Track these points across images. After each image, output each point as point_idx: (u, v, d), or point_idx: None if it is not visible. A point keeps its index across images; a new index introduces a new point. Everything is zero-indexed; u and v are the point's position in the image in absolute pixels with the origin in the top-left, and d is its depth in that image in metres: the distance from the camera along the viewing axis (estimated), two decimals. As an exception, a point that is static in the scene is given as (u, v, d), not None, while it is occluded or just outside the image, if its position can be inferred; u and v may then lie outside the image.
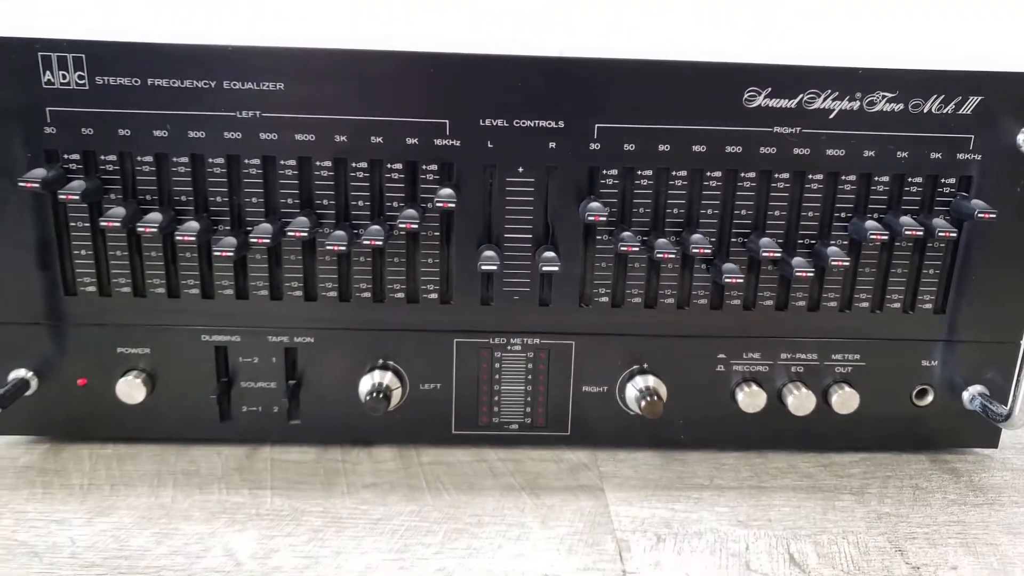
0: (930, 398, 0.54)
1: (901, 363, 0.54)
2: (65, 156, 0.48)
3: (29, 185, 0.46)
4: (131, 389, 0.51)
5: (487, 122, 0.48)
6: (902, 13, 0.83)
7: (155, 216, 0.47)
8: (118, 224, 0.47)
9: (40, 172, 0.46)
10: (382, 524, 0.46)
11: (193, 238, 0.47)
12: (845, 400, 0.53)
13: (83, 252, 0.50)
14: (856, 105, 0.48)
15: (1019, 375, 0.50)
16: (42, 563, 0.42)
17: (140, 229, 0.47)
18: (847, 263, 0.49)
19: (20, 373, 0.51)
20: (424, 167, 0.49)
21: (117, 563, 0.42)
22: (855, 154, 0.49)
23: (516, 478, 0.51)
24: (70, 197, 0.46)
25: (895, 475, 0.53)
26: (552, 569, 0.42)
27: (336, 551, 0.43)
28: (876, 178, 0.50)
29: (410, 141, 0.48)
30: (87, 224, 0.49)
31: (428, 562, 0.43)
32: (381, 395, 0.51)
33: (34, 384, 0.51)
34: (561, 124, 0.48)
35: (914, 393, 0.54)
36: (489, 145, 0.48)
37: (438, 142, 0.48)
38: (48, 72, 0.46)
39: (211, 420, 0.53)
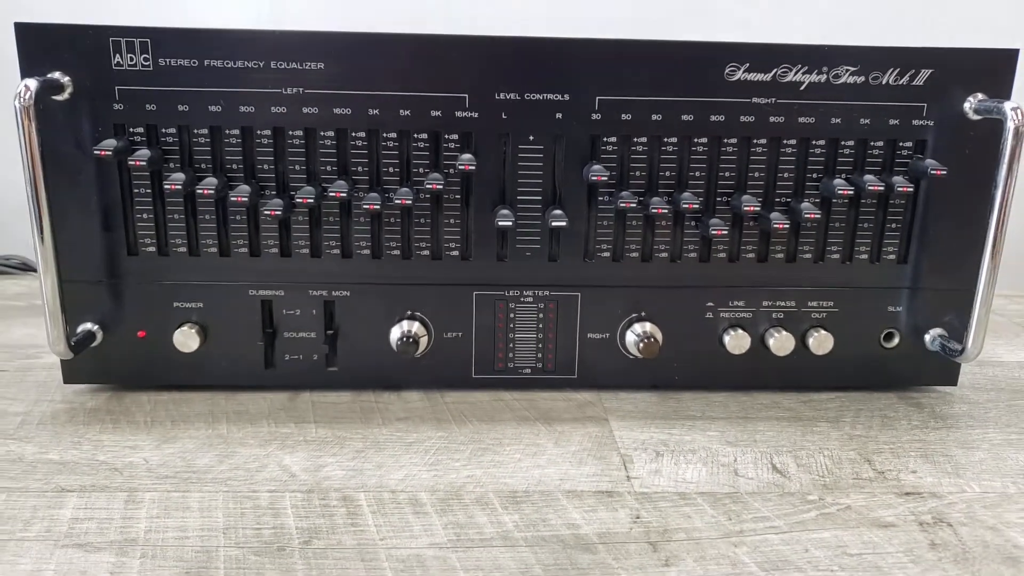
0: (896, 340, 0.61)
1: (870, 309, 0.60)
2: (131, 129, 0.54)
3: (103, 153, 0.52)
4: (186, 339, 0.57)
5: (501, 96, 0.55)
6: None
7: (211, 181, 0.54)
8: (179, 187, 0.53)
9: (112, 142, 0.53)
10: (415, 445, 0.52)
11: (245, 200, 0.54)
12: (821, 342, 0.60)
13: (144, 216, 0.56)
14: (823, 78, 0.55)
15: (973, 313, 0.56)
16: (123, 476, 0.48)
17: (199, 191, 0.53)
18: (818, 215, 0.56)
19: (87, 326, 0.57)
20: (446, 136, 0.56)
21: (188, 475, 0.48)
22: (823, 122, 0.56)
23: (531, 412, 0.58)
24: (138, 163, 0.53)
25: (866, 408, 0.60)
26: (567, 475, 0.49)
27: (377, 465, 0.50)
28: (842, 142, 0.57)
29: (434, 113, 0.55)
30: (148, 190, 0.56)
31: (458, 472, 0.49)
32: (411, 340, 0.57)
33: (99, 336, 0.58)
34: (566, 97, 0.55)
35: (882, 336, 0.61)
36: (503, 116, 0.55)
37: (458, 114, 0.55)
38: (118, 55, 0.53)
39: (257, 368, 0.59)
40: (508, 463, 0.50)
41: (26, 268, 0.98)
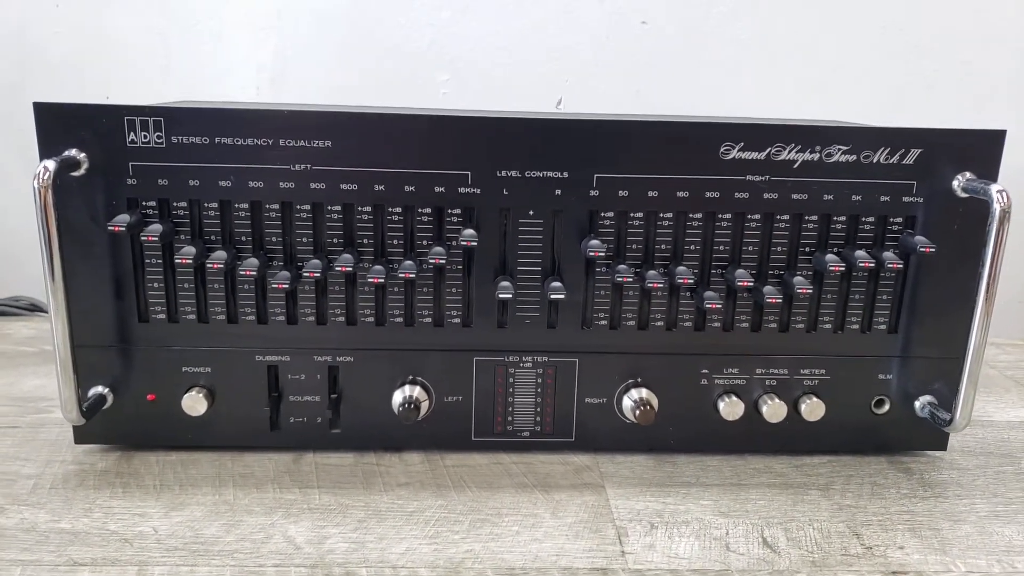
0: (887, 407, 0.63)
1: (861, 377, 0.62)
2: (143, 203, 0.56)
3: (117, 229, 0.54)
4: (194, 403, 0.59)
5: (503, 173, 0.57)
6: (856, 81, 0.93)
7: (221, 254, 0.56)
8: (190, 261, 0.55)
9: (125, 218, 0.55)
10: (416, 515, 0.54)
11: (253, 273, 0.55)
12: (813, 409, 0.61)
13: (155, 285, 0.58)
14: (816, 156, 0.57)
15: (961, 386, 0.58)
16: (133, 548, 0.49)
17: (208, 265, 0.55)
18: (811, 290, 0.57)
19: (99, 389, 0.59)
20: (449, 211, 0.57)
21: (196, 547, 0.50)
22: (816, 198, 0.58)
23: (529, 478, 0.59)
24: (151, 238, 0.55)
25: (856, 474, 0.61)
26: (563, 551, 0.50)
27: (379, 537, 0.51)
28: (834, 218, 0.58)
29: (438, 189, 0.57)
30: (159, 261, 0.57)
31: (457, 545, 0.50)
32: (412, 405, 0.59)
33: (110, 399, 0.59)
34: (565, 174, 0.57)
35: (873, 403, 0.63)
36: (505, 192, 0.57)
37: (461, 190, 0.57)
38: (132, 133, 0.55)
39: (262, 430, 0.61)
40: (506, 536, 0.52)
41: (35, 309, 1.00)
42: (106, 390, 0.59)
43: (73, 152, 0.54)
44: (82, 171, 0.55)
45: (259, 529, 0.52)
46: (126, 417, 0.60)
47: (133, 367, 0.59)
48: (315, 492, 0.56)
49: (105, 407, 0.59)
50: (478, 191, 0.57)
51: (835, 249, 0.59)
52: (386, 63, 0.92)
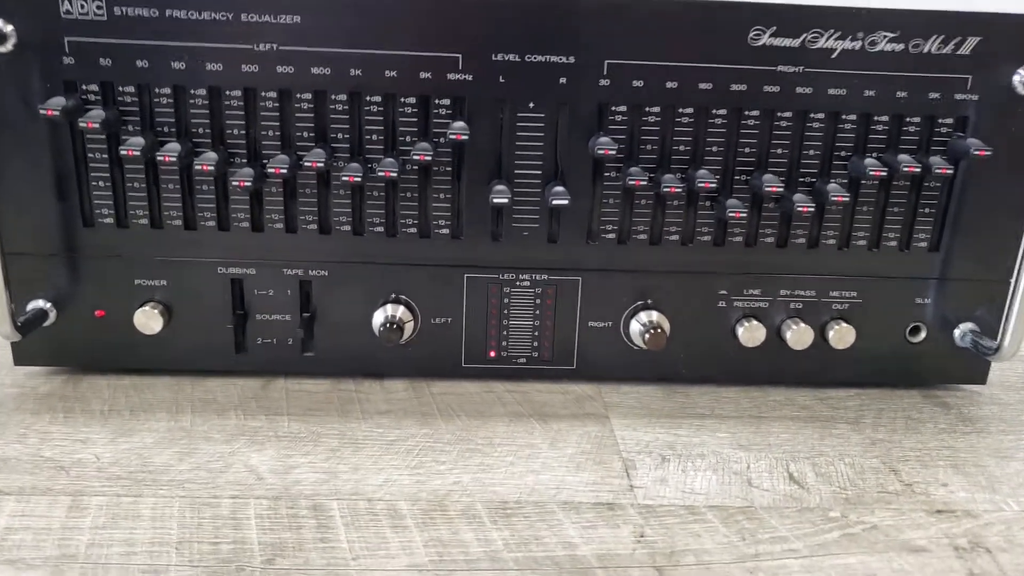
0: (923, 335, 0.56)
1: (896, 300, 0.55)
2: (83, 87, 0.49)
3: (50, 112, 0.46)
4: (148, 320, 0.52)
5: (499, 57, 0.49)
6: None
7: (173, 146, 0.48)
8: (137, 153, 0.48)
9: (60, 100, 0.47)
10: (397, 444, 0.48)
11: (211, 168, 0.48)
12: (842, 336, 0.55)
13: (101, 183, 0.51)
14: (858, 45, 0.50)
15: (1008, 310, 0.52)
16: (68, 476, 0.43)
17: (159, 158, 0.48)
18: (847, 198, 0.51)
19: (39, 304, 0.52)
20: (437, 101, 0.50)
21: (142, 476, 0.43)
22: (856, 94, 0.51)
23: (524, 407, 0.53)
24: (90, 124, 0.47)
25: (888, 407, 0.55)
26: (563, 483, 0.44)
27: (354, 467, 0.45)
28: (875, 117, 0.51)
29: (423, 75, 0.49)
30: (105, 155, 0.50)
31: (444, 477, 0.44)
32: (395, 326, 0.52)
33: (52, 315, 0.52)
34: (572, 60, 0.49)
35: (908, 330, 0.56)
36: (501, 80, 0.49)
37: (451, 76, 0.49)
38: (67, 2, 0.47)
39: (226, 352, 0.54)
40: (499, 467, 0.46)
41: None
42: (47, 304, 0.52)
43: (-2, 23, 0.46)
44: (9, 46, 0.47)
45: (217, 458, 0.45)
46: (72, 336, 0.53)
47: (78, 279, 0.52)
48: (284, 419, 0.50)
49: (47, 324, 0.52)
50: (470, 78, 0.49)
51: (875, 153, 0.52)
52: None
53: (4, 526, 0.39)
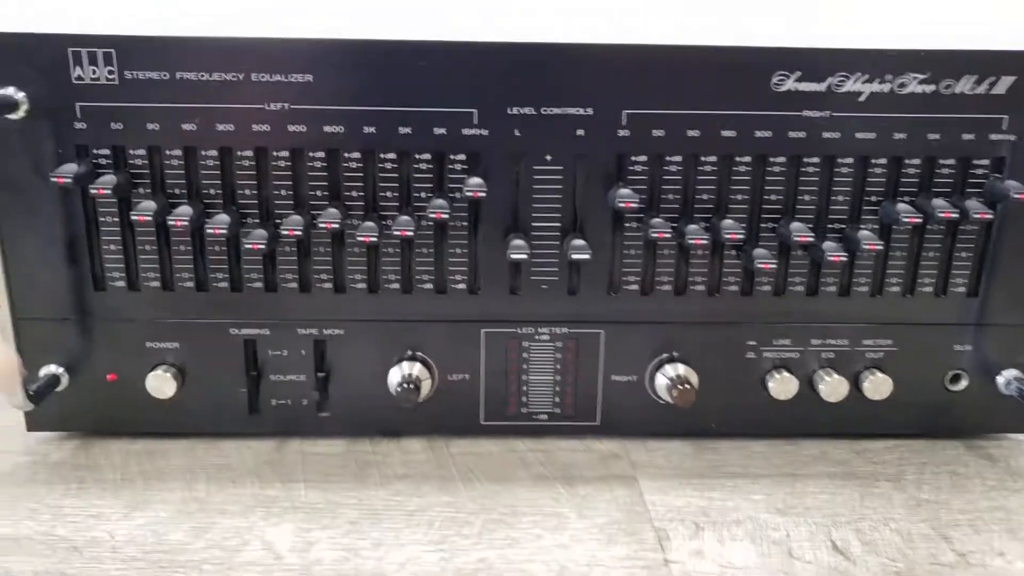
0: (964, 383, 0.54)
1: (934, 348, 0.53)
2: (95, 151, 0.48)
3: (61, 180, 0.46)
4: (161, 383, 0.51)
5: (514, 110, 0.48)
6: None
7: (185, 210, 0.47)
8: (149, 218, 0.47)
9: (72, 167, 0.46)
10: (418, 515, 0.46)
11: (224, 231, 0.47)
12: (877, 386, 0.53)
13: (112, 247, 0.50)
14: (887, 88, 0.48)
15: (1055, 358, 0.49)
16: (83, 558, 0.42)
17: (171, 222, 0.47)
18: (880, 247, 0.49)
19: (51, 369, 0.51)
20: (452, 157, 0.49)
21: (157, 557, 0.42)
22: (885, 137, 0.49)
23: (548, 468, 0.51)
24: (101, 191, 0.46)
25: (931, 461, 0.53)
26: (595, 559, 0.42)
27: (374, 543, 0.43)
28: (907, 161, 0.49)
29: (438, 131, 0.48)
30: (116, 219, 0.49)
31: (468, 553, 0.42)
32: (412, 385, 0.50)
33: (64, 380, 0.51)
34: (590, 111, 0.48)
35: (947, 378, 0.54)
36: (517, 134, 0.48)
37: (466, 131, 0.48)
38: (78, 68, 0.46)
39: (240, 413, 0.53)
40: (525, 541, 0.44)
41: None
42: (60, 370, 0.51)
43: (10, 91, 0.46)
44: (21, 113, 0.46)
45: (234, 533, 0.44)
46: (84, 400, 0.52)
47: (90, 343, 0.51)
48: (300, 487, 0.48)
49: (59, 389, 0.51)
50: (486, 132, 0.48)
51: (908, 198, 0.50)
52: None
53: (12, 617, 0.37)
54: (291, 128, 0.48)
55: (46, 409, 0.51)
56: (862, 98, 0.48)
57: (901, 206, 0.49)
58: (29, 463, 0.51)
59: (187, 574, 0.41)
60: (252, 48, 0.46)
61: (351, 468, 0.51)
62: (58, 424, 0.53)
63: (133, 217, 0.47)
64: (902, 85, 0.48)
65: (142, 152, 0.48)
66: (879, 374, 0.53)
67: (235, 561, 0.42)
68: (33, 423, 0.53)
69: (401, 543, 0.43)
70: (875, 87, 0.48)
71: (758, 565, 0.42)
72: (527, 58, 0.47)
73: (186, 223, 0.47)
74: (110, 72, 0.46)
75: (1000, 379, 0.53)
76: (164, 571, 0.41)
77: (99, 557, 0.42)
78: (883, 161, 0.49)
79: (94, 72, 0.46)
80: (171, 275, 0.50)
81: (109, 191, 0.46)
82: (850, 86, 0.48)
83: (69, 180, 0.46)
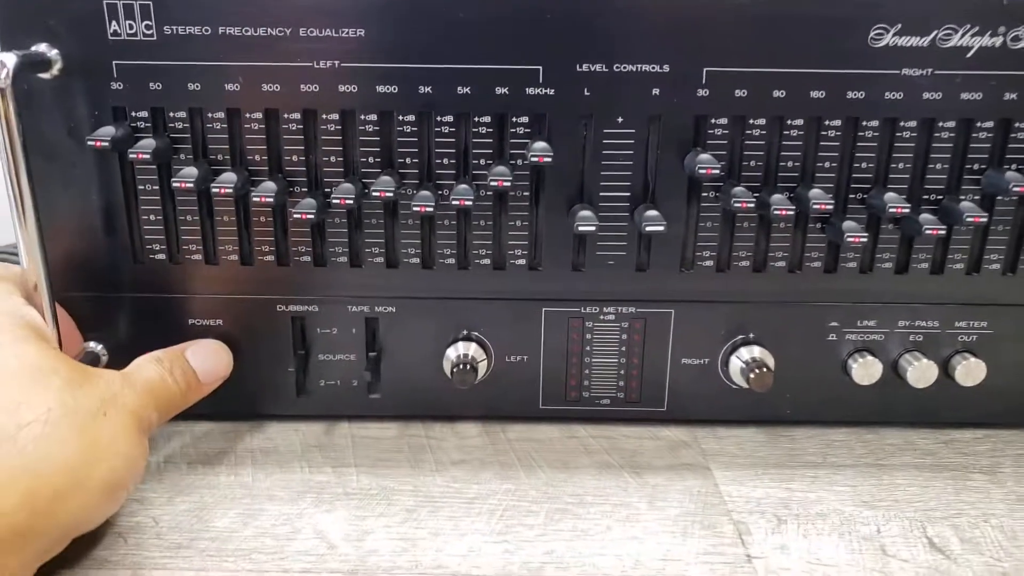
0: (1064, 368, 0.50)
1: (1033, 330, 0.49)
2: (133, 113, 0.45)
3: (99, 144, 0.43)
4: (204, 362, 0.48)
5: (584, 67, 0.44)
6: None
7: (229, 176, 0.44)
8: (191, 185, 0.44)
9: (109, 130, 0.43)
10: (478, 503, 0.43)
11: (270, 200, 0.44)
12: (970, 371, 0.49)
13: (152, 217, 0.47)
14: (999, 41, 0.43)
15: None
16: (127, 544, 0.39)
17: (214, 190, 0.44)
18: (984, 219, 0.44)
19: (90, 346, 0.49)
20: (515, 119, 0.45)
21: (204, 545, 0.39)
22: (994, 98, 0.44)
23: (613, 456, 0.48)
24: (140, 156, 0.43)
25: (1027, 452, 0.49)
26: (670, 553, 0.39)
27: (433, 532, 0.40)
28: (1017, 124, 0.45)
29: (500, 91, 0.44)
30: (156, 187, 0.46)
31: (534, 545, 0.39)
32: (468, 366, 0.47)
33: (104, 358, 0.49)
34: (666, 68, 0.44)
35: (1046, 363, 0.50)
36: (586, 93, 0.44)
37: (530, 91, 0.44)
38: (114, 23, 0.43)
39: (287, 395, 0.50)
40: (594, 532, 0.40)
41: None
42: (99, 347, 0.49)
43: (42, 48, 0.43)
44: (54, 72, 0.43)
45: (283, 521, 0.41)
46: (124, 379, 0.50)
47: (130, 320, 0.49)
48: (352, 472, 0.46)
49: (99, 367, 0.49)
50: (552, 92, 0.44)
51: (1015, 165, 0.45)
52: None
53: (57, 610, 0.35)
54: (341, 88, 0.44)
55: (85, 387, 0.49)
56: (970, 54, 0.43)
57: (1010, 175, 0.44)
58: (68, 443, 0.48)
59: (237, 563, 0.38)
60: (299, 1, 0.43)
61: (404, 453, 0.48)
62: (97, 403, 0.51)
63: (174, 184, 0.44)
64: (1016, 39, 0.43)
65: (183, 115, 0.45)
66: (972, 358, 0.49)
67: (287, 550, 0.39)
68: (71, 401, 0.51)
69: (461, 533, 0.40)
70: (985, 40, 0.43)
71: (849, 562, 0.38)
72: (598, 10, 0.43)
73: (230, 191, 0.44)
74: (148, 27, 0.43)
75: (1106, 365, 0.49)
76: (212, 560, 0.38)
77: (143, 543, 0.39)
78: (990, 124, 0.45)
79: (131, 27, 0.43)
80: (214, 247, 0.48)
81: (148, 156, 0.43)
82: (957, 40, 0.43)
83: (106, 144, 0.43)
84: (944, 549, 0.40)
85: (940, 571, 0.38)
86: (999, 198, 0.46)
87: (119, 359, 0.49)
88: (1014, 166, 0.45)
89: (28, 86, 0.43)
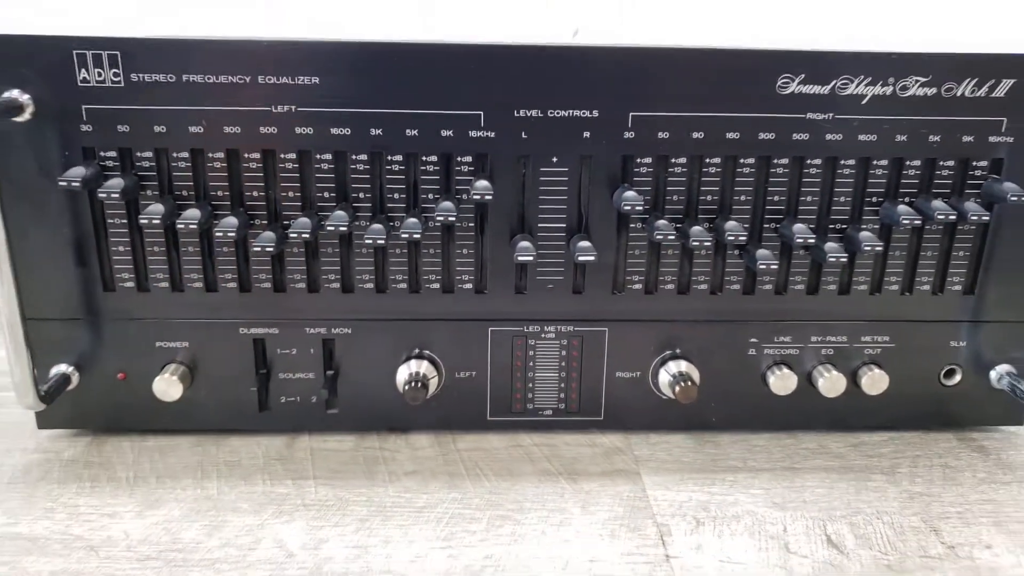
0: (958, 378, 0.55)
1: (930, 344, 0.54)
2: (102, 153, 0.48)
3: (70, 184, 0.46)
4: (168, 387, 0.51)
5: (521, 113, 0.48)
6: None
7: (193, 213, 0.48)
8: (157, 221, 0.47)
9: (79, 171, 0.46)
10: (426, 512, 0.47)
11: (232, 234, 0.47)
12: (875, 381, 0.54)
13: (120, 248, 0.50)
14: (889, 90, 0.48)
15: (1048, 355, 0.50)
16: (98, 557, 0.43)
17: (179, 226, 0.47)
18: (880, 247, 0.49)
19: (61, 368, 0.52)
20: (459, 159, 0.49)
21: (172, 556, 0.43)
22: (887, 139, 0.49)
23: (553, 463, 0.52)
24: (110, 195, 0.46)
25: (924, 454, 0.54)
26: (597, 555, 0.43)
27: (384, 540, 0.44)
28: (908, 162, 0.50)
29: (445, 133, 0.48)
30: (124, 221, 0.50)
31: (475, 549, 0.44)
32: (419, 383, 0.51)
33: (75, 379, 0.52)
34: (595, 113, 0.48)
35: (942, 373, 0.55)
36: (523, 136, 0.48)
37: (473, 134, 0.48)
38: (83, 70, 0.46)
39: (250, 411, 0.54)
40: (531, 536, 0.45)
41: None
42: (70, 369, 0.52)
43: (15, 94, 0.46)
44: (27, 116, 0.46)
45: (246, 531, 0.45)
46: (95, 398, 0.53)
47: (100, 343, 0.52)
48: (311, 484, 0.49)
49: (70, 388, 0.52)
50: (492, 135, 0.48)
51: (908, 199, 0.51)
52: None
53: (36, 618, 0.38)
54: (298, 130, 0.48)
55: (57, 407, 0.52)
56: (865, 101, 0.48)
57: (902, 208, 0.50)
58: (42, 460, 0.51)
59: (202, 573, 0.42)
60: (258, 50, 0.46)
61: (360, 464, 0.52)
62: (69, 422, 0.54)
63: (141, 220, 0.47)
64: (904, 88, 0.48)
65: (149, 154, 0.48)
66: (876, 370, 0.54)
67: (249, 559, 0.43)
68: (45, 421, 0.54)
69: (410, 540, 0.44)
70: (877, 90, 0.48)
71: (755, 559, 0.43)
72: (533, 60, 0.47)
73: (195, 226, 0.47)
74: (115, 75, 0.46)
75: (993, 374, 0.54)
76: (179, 570, 0.42)
77: (114, 556, 0.43)
78: (884, 163, 0.50)
79: (99, 74, 0.46)
80: (180, 276, 0.51)
81: (117, 194, 0.47)
82: (853, 89, 0.48)
83: (77, 184, 0.46)
84: (840, 545, 0.45)
85: (834, 565, 0.43)
86: (894, 228, 0.51)
87: (88, 379, 0.52)
88: (907, 199, 0.51)
89: (2, 128, 0.46)
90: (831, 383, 0.54)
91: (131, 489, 0.49)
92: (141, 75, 0.46)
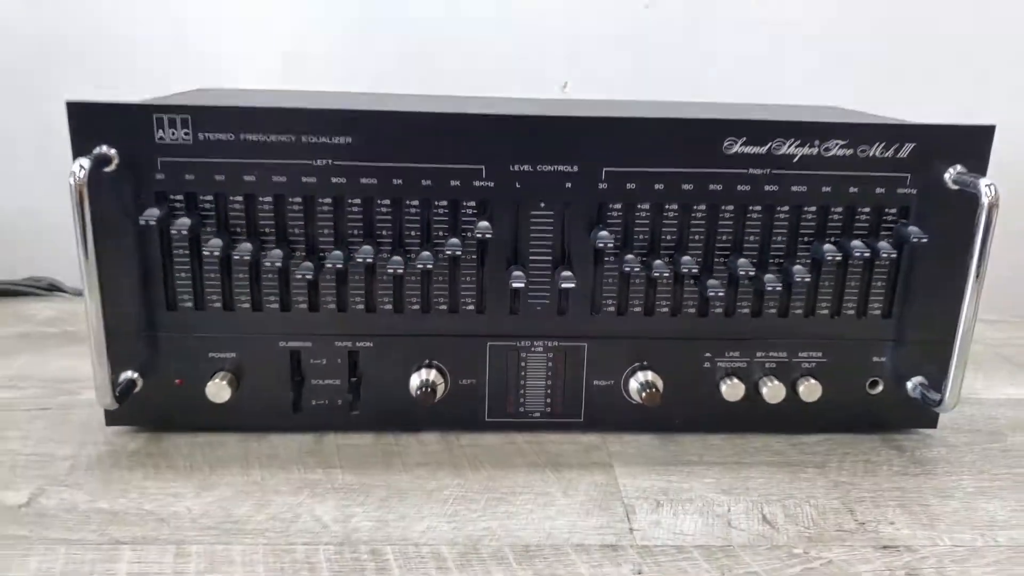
0: (880, 388, 0.66)
1: (856, 359, 0.65)
2: (171, 197, 0.58)
3: (148, 223, 0.56)
4: (218, 391, 0.61)
5: (515, 167, 0.59)
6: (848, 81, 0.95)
7: (246, 247, 0.58)
8: (217, 254, 0.57)
9: (155, 212, 0.57)
10: (435, 494, 0.57)
11: (278, 265, 0.58)
12: (810, 390, 0.64)
13: (183, 275, 0.60)
14: (815, 151, 0.59)
15: (950, 369, 0.61)
16: (169, 527, 0.52)
17: (235, 258, 0.58)
18: (809, 278, 0.60)
19: (129, 374, 0.62)
20: (465, 204, 0.60)
21: (229, 526, 0.53)
22: (815, 190, 0.60)
23: (540, 457, 0.62)
24: (180, 232, 0.57)
25: (852, 452, 0.64)
26: (575, 528, 0.53)
27: (400, 515, 0.54)
28: (832, 209, 0.61)
29: (453, 183, 0.59)
30: (187, 252, 0.60)
31: (475, 523, 0.54)
32: (429, 388, 0.62)
33: (140, 384, 0.62)
34: (575, 168, 0.59)
35: (867, 384, 0.66)
36: (517, 186, 0.59)
37: (476, 184, 0.59)
38: (160, 130, 0.57)
39: (286, 412, 0.64)
40: (521, 514, 0.55)
41: (53, 289, 1.02)
42: (136, 375, 0.62)
43: (104, 149, 0.56)
44: (113, 167, 0.57)
45: (287, 508, 0.55)
46: (155, 400, 0.63)
47: (162, 353, 0.62)
48: (338, 472, 0.59)
49: (135, 391, 0.62)
50: (492, 184, 0.59)
51: (832, 239, 0.62)
52: (402, 47, 0.95)
53: (127, 572, 0.48)
54: (333, 180, 0.58)
55: (123, 407, 0.62)
56: (796, 159, 0.60)
57: (827, 246, 0.61)
58: (111, 452, 0.61)
59: (255, 539, 0.52)
60: (302, 115, 0.57)
61: (379, 457, 0.62)
62: (132, 420, 0.64)
63: (204, 252, 0.58)
64: (827, 149, 0.59)
65: (210, 198, 0.59)
66: (812, 380, 0.64)
67: (291, 529, 0.53)
68: (112, 419, 0.63)
69: (422, 516, 0.54)
70: (805, 150, 0.59)
71: (703, 532, 0.53)
72: (526, 126, 0.58)
73: (248, 258, 0.58)
74: (186, 134, 0.57)
75: (909, 384, 0.65)
76: (235, 537, 0.52)
77: (181, 526, 0.53)
78: (812, 209, 0.61)
79: (173, 134, 0.57)
80: (231, 298, 0.61)
81: (185, 232, 0.57)
82: (785, 149, 0.59)
83: (153, 223, 0.56)
84: (772, 522, 0.55)
85: (765, 537, 0.53)
86: (823, 263, 0.62)
87: (150, 384, 0.62)
88: (832, 239, 0.62)
89: (91, 177, 0.57)
90: (773, 392, 0.64)
91: (188, 475, 0.59)
92: (207, 134, 0.57)
